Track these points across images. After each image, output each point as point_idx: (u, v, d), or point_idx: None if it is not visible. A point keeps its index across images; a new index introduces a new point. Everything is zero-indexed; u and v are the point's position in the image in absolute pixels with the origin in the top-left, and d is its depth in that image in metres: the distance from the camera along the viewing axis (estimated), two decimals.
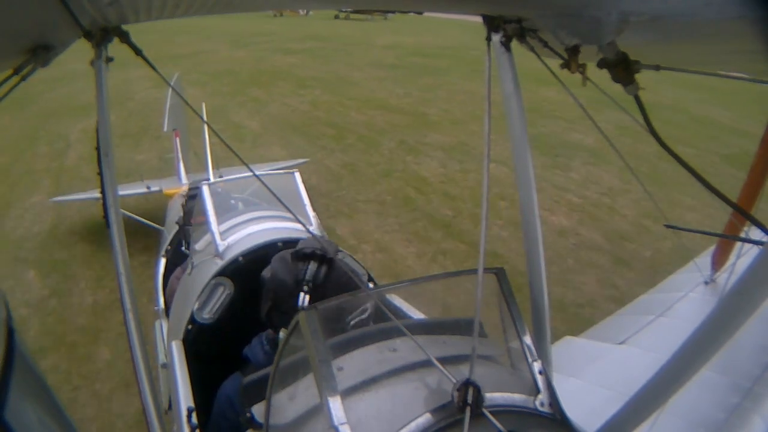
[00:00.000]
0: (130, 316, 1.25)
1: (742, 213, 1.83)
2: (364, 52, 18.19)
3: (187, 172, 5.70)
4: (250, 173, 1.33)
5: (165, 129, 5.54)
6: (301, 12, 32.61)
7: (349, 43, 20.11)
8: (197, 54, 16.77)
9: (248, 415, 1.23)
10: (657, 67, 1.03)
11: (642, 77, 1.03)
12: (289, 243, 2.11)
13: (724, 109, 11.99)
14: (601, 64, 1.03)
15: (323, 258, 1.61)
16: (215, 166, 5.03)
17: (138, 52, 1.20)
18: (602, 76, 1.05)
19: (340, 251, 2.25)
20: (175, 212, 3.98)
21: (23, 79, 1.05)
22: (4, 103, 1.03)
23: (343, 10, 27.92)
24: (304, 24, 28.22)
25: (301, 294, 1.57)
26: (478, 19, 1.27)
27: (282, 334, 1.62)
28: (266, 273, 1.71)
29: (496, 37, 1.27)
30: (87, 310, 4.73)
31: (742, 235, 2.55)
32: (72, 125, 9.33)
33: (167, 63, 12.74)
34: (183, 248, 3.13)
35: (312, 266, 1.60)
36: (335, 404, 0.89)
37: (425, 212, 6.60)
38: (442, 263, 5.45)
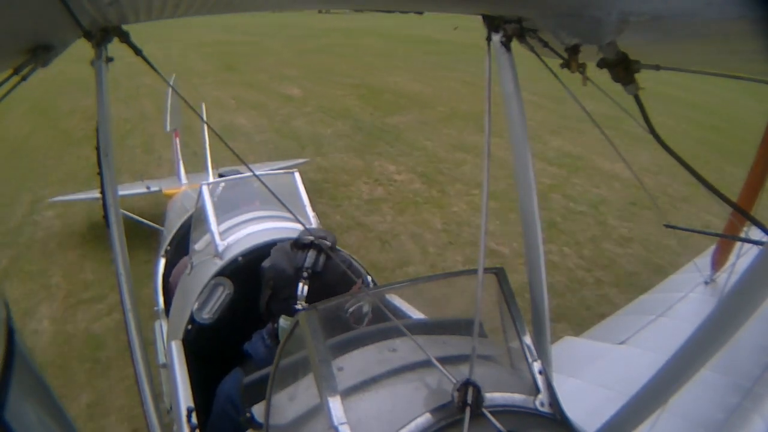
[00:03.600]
0: (130, 316, 1.25)
1: (742, 213, 1.83)
2: (302, 31, 24.80)
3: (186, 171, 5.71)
4: (249, 173, 1.33)
5: (167, 129, 5.56)
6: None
7: (303, 27, 26.52)
8: (208, 41, 22.88)
9: (248, 414, 1.23)
10: (657, 67, 1.03)
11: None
12: None
13: None
14: (601, 64, 1.03)
15: (322, 247, 1.63)
16: (215, 166, 5.02)
17: (138, 52, 1.20)
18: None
19: (340, 251, 2.26)
20: (175, 212, 3.98)
21: (23, 79, 1.05)
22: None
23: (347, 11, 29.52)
24: (293, 17, 32.83)
25: (300, 281, 1.59)
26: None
27: (281, 320, 1.64)
28: (266, 263, 1.73)
29: (497, 37, 1.27)
30: None
31: (742, 235, 2.55)
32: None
33: (195, 49, 19.41)
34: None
35: (311, 255, 1.63)
36: (335, 404, 0.89)
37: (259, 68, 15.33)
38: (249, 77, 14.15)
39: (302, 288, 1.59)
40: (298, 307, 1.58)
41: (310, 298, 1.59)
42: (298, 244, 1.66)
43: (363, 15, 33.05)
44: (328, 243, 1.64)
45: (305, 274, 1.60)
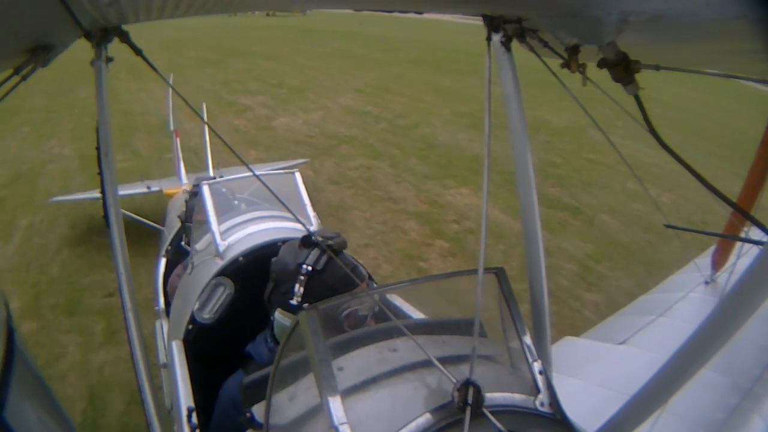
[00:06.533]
0: (130, 316, 1.25)
1: (742, 213, 1.83)
2: (241, 28, 29.44)
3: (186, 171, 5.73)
4: (250, 173, 1.33)
5: (171, 128, 5.66)
6: (254, 12, 37.15)
7: (246, 27, 31.22)
8: (169, 37, 25.92)
9: (248, 415, 1.23)
10: (657, 67, 1.03)
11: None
12: None
13: None
14: (601, 64, 1.03)
15: (328, 247, 1.64)
16: (215, 166, 5.03)
17: (138, 52, 1.20)
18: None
19: (346, 255, 2.26)
20: (175, 212, 3.98)
21: (23, 79, 1.05)
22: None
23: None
24: (247, 19, 36.89)
25: (300, 277, 1.59)
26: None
27: (277, 314, 1.65)
28: (275, 258, 1.75)
29: (497, 37, 1.27)
30: None
31: (742, 235, 2.55)
32: None
33: (156, 41, 21.91)
34: (183, 243, 3.13)
35: (314, 253, 1.65)
36: (335, 404, 0.89)
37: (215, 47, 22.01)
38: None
39: (300, 284, 1.60)
40: (293, 302, 1.60)
41: (308, 295, 1.60)
42: (305, 242, 1.69)
43: (297, 17, 37.09)
44: (333, 244, 1.65)
45: (304, 271, 1.61)
